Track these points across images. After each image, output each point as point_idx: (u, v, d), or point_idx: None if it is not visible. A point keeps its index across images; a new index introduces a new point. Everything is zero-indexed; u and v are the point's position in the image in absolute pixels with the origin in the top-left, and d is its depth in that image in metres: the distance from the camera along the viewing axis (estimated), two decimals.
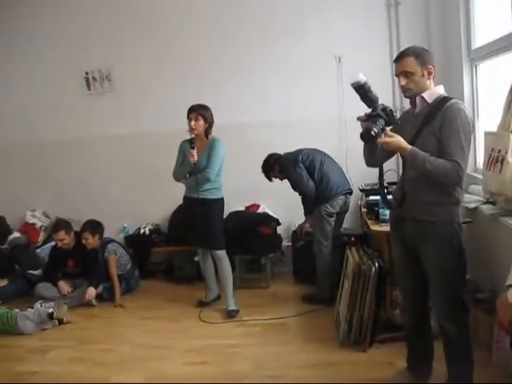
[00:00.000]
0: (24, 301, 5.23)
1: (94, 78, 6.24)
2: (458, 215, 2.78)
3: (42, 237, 6.39)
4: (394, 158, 3.00)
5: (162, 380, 3.59)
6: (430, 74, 2.75)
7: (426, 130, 2.70)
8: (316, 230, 4.83)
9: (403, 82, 2.74)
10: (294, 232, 5.61)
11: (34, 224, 6.37)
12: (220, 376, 3.58)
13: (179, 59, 5.99)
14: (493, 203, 3.76)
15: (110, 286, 5.29)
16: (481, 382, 2.92)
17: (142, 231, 6.09)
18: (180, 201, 4.89)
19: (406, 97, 2.88)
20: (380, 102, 2.68)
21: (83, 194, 6.30)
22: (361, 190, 4.94)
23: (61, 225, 5.43)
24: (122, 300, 5.21)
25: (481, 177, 4.02)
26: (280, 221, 5.71)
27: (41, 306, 4.93)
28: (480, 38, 4.57)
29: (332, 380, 3.41)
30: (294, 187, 4.86)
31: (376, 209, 4.09)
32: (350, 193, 4.94)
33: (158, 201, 6.09)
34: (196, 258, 5.28)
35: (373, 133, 2.57)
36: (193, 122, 4.47)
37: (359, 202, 5.03)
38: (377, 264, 3.67)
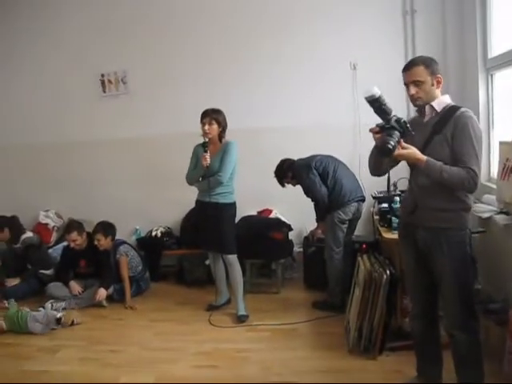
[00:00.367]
0: (35, 300, 5.28)
1: (110, 81, 6.29)
2: (469, 222, 2.80)
3: (54, 237, 6.44)
4: (404, 166, 2.99)
5: (170, 382, 3.58)
6: (438, 83, 2.78)
7: (436, 138, 2.72)
8: (328, 237, 4.82)
9: (413, 91, 2.76)
10: (306, 238, 5.60)
11: (46, 224, 6.42)
12: (228, 380, 3.58)
13: (193, 63, 6.03)
14: (506, 213, 3.73)
15: (121, 288, 5.31)
16: None
17: (153, 234, 6.11)
18: (192, 204, 4.90)
19: (415, 106, 2.89)
20: (394, 110, 2.66)
21: (96, 195, 6.35)
22: (373, 198, 4.93)
23: (73, 226, 5.46)
24: (132, 302, 5.23)
25: (495, 186, 4.00)
26: (292, 226, 5.71)
27: (52, 305, 4.97)
28: (496, 47, 4.54)
29: None
30: (307, 193, 4.85)
31: (389, 216, 4.08)
32: (363, 200, 4.92)
33: (170, 204, 6.10)
34: (207, 262, 5.27)
35: (390, 146, 2.57)
36: (206, 126, 4.48)
37: (371, 209, 5.01)
38: (388, 272, 3.66)
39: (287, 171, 5.00)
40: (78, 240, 5.37)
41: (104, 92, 6.32)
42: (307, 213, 5.11)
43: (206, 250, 5.02)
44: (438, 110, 2.78)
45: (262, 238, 5.42)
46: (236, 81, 5.95)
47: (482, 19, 4.70)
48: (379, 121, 2.68)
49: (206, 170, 4.49)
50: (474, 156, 2.63)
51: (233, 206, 4.69)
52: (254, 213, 5.97)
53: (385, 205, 4.39)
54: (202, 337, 4.37)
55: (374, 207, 4.87)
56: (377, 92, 2.55)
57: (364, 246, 4.57)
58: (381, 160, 2.89)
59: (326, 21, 5.72)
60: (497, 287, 3.81)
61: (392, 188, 4.73)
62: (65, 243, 5.68)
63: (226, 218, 4.64)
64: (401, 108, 2.95)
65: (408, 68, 2.78)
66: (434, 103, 2.78)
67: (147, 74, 6.17)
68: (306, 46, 5.77)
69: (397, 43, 5.61)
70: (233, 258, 4.69)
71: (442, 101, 2.79)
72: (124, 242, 5.58)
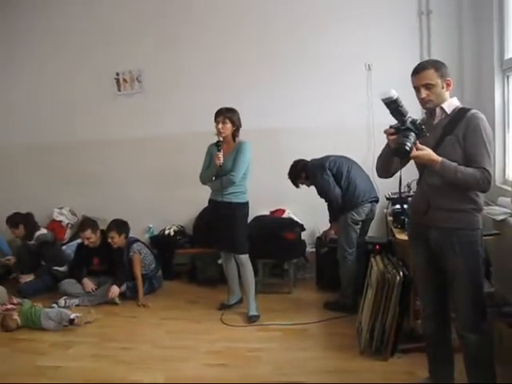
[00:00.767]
0: (49, 296, 5.34)
1: (125, 80, 6.32)
2: (480, 222, 2.80)
3: (68, 234, 6.50)
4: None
5: (181, 380, 3.60)
6: (448, 85, 2.81)
7: (447, 139, 2.74)
8: (341, 237, 4.81)
9: (424, 95, 2.78)
10: (319, 238, 5.58)
11: (60, 221, 6.48)
12: (239, 379, 3.58)
13: (209, 62, 6.03)
14: None
15: (134, 285, 5.34)
16: None
17: (166, 232, 6.13)
18: (205, 203, 4.91)
19: (425, 108, 2.91)
20: (409, 109, 2.66)
21: (110, 193, 6.38)
22: (387, 199, 4.91)
23: (87, 223, 5.51)
24: (144, 300, 5.24)
25: (510, 189, 3.98)
26: (304, 226, 5.70)
27: (65, 302, 5.03)
28: None
29: None
30: (320, 194, 4.85)
31: (402, 217, 4.06)
32: (377, 201, 4.89)
33: (183, 202, 6.11)
34: (220, 261, 5.28)
35: (407, 147, 2.58)
36: (220, 125, 4.48)
37: (385, 211, 5.00)
38: (401, 273, 3.64)
39: (301, 172, 5.00)
40: (91, 238, 5.40)
41: (119, 91, 6.35)
42: (320, 213, 5.10)
43: (218, 250, 5.03)
44: (448, 112, 2.81)
45: (274, 238, 5.42)
46: (251, 81, 5.95)
47: (498, 20, 4.65)
48: (393, 121, 2.68)
49: (218, 170, 4.49)
50: (486, 156, 2.65)
51: (245, 205, 4.68)
52: (267, 212, 5.96)
53: (398, 206, 4.36)
54: (214, 336, 4.38)
55: (387, 208, 4.86)
56: (394, 94, 2.56)
57: (377, 246, 4.56)
58: (390, 162, 2.90)
59: (341, 22, 5.71)
60: (511, 290, 3.78)
61: (406, 189, 4.71)
62: (79, 240, 5.71)
63: (239, 218, 4.64)
64: (416, 107, 2.94)
65: (418, 71, 2.80)
66: (444, 105, 2.81)
67: (162, 73, 6.19)
68: (322, 47, 5.75)
69: (412, 44, 5.57)
70: (244, 258, 4.68)
71: (451, 103, 2.82)
72: (137, 240, 5.61)
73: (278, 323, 4.55)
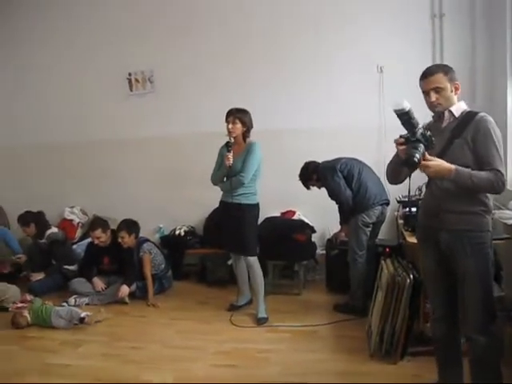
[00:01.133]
0: (59, 295, 5.37)
1: (137, 80, 6.35)
2: (489, 224, 2.81)
3: (78, 233, 6.53)
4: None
5: (190, 380, 3.60)
6: (456, 89, 2.84)
7: (456, 142, 2.75)
8: (351, 240, 4.80)
9: (433, 98, 2.80)
10: (329, 240, 5.56)
11: (71, 220, 6.52)
12: (248, 380, 3.58)
13: (220, 63, 6.05)
14: None
15: (143, 285, 5.35)
16: None
17: (177, 232, 6.15)
18: (216, 204, 4.91)
19: (434, 112, 2.92)
20: (417, 114, 2.66)
21: (121, 193, 6.42)
22: (398, 202, 4.89)
23: (98, 223, 5.54)
24: (154, 299, 5.26)
25: None
26: (315, 228, 5.70)
27: (75, 301, 5.06)
28: None
29: None
30: (331, 196, 4.84)
31: (413, 220, 4.05)
32: (388, 203, 4.88)
33: (193, 203, 6.13)
34: (229, 262, 5.28)
35: (415, 159, 2.59)
36: (230, 125, 4.49)
37: (395, 213, 4.98)
38: (412, 276, 3.63)
39: (312, 174, 4.99)
40: (102, 237, 5.44)
41: (131, 91, 6.39)
42: (330, 215, 5.10)
43: (228, 251, 5.04)
44: (457, 116, 2.82)
45: (284, 240, 5.42)
46: (262, 82, 5.96)
47: (511, 23, 4.64)
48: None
49: (228, 170, 4.50)
50: (498, 158, 2.67)
51: (255, 207, 4.68)
52: (278, 214, 5.96)
53: (409, 209, 4.35)
54: (223, 336, 4.38)
55: (398, 211, 4.84)
56: (407, 106, 2.56)
57: (387, 249, 4.54)
58: (400, 170, 2.93)
59: (353, 23, 5.70)
60: None
61: (417, 192, 4.71)
62: (89, 239, 5.74)
63: (248, 219, 4.62)
64: (425, 114, 2.94)
65: (427, 75, 2.82)
66: (452, 109, 2.83)
67: (174, 74, 6.22)
68: (334, 49, 5.75)
69: (424, 46, 5.55)
70: (253, 260, 4.67)
71: (459, 107, 2.85)
72: (147, 240, 5.63)
73: (287, 324, 4.55)
